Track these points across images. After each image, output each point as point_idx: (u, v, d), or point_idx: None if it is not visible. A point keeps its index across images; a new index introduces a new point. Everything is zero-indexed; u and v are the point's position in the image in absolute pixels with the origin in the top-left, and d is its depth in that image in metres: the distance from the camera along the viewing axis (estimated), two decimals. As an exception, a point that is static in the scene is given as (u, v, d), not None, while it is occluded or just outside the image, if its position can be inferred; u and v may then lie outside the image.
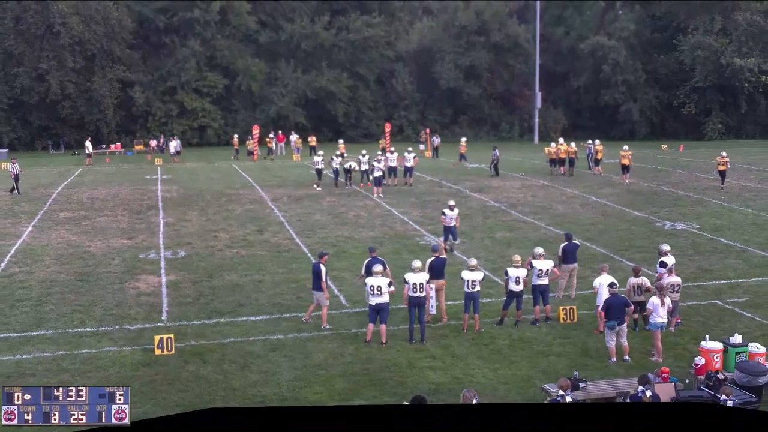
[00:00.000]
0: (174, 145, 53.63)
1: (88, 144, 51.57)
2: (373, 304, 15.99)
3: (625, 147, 39.15)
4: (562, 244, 19.01)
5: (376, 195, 34.18)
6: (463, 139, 47.59)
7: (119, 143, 60.78)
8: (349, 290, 19.68)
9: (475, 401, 10.77)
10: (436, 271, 17.38)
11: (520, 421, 3.11)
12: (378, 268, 16.28)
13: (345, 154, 40.95)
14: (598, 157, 40.55)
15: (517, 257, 17.40)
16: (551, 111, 69.14)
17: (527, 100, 68.90)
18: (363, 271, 17.40)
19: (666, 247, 18.15)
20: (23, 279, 21.20)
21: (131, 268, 22.36)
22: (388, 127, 54.75)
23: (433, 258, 17.85)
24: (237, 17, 65.75)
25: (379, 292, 15.93)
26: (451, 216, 23.53)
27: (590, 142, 42.96)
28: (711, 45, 62.88)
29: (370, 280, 16.07)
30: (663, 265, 17.36)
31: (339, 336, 16.59)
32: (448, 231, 23.78)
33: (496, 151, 40.83)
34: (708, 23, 64.50)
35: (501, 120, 70.84)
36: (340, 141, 54.17)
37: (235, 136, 55.10)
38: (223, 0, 64.12)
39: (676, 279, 16.67)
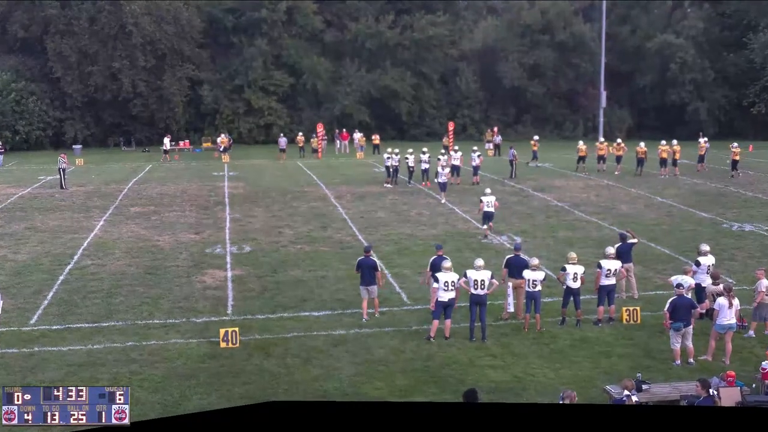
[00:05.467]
0: (283, 141, 53.31)
1: (166, 141, 52.50)
2: (445, 300, 15.93)
3: (663, 142, 40.28)
4: (617, 245, 18.84)
5: (441, 197, 34.13)
6: (535, 137, 47.34)
7: (188, 140, 61.76)
8: (410, 287, 19.66)
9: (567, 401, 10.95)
10: (516, 269, 17.30)
11: (584, 421, 3.07)
12: (448, 263, 16.26)
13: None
14: (676, 157, 39.72)
15: (574, 254, 17.36)
16: (616, 110, 67.94)
17: (591, 99, 67.84)
18: (429, 269, 17.38)
19: (705, 248, 17.93)
20: (95, 271, 21.72)
21: (198, 262, 22.73)
22: (451, 126, 54.57)
23: (512, 256, 17.79)
24: (303, 17, 66.21)
25: (453, 287, 15.93)
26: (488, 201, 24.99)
27: (704, 139, 43.40)
28: (783, 43, 61.17)
29: (442, 276, 16.01)
30: (697, 264, 17.40)
31: (400, 332, 16.59)
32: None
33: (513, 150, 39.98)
34: (780, 21, 62.73)
35: (565, 119, 69.91)
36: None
37: (300, 134, 55.48)
38: (290, 0, 64.67)
39: None
